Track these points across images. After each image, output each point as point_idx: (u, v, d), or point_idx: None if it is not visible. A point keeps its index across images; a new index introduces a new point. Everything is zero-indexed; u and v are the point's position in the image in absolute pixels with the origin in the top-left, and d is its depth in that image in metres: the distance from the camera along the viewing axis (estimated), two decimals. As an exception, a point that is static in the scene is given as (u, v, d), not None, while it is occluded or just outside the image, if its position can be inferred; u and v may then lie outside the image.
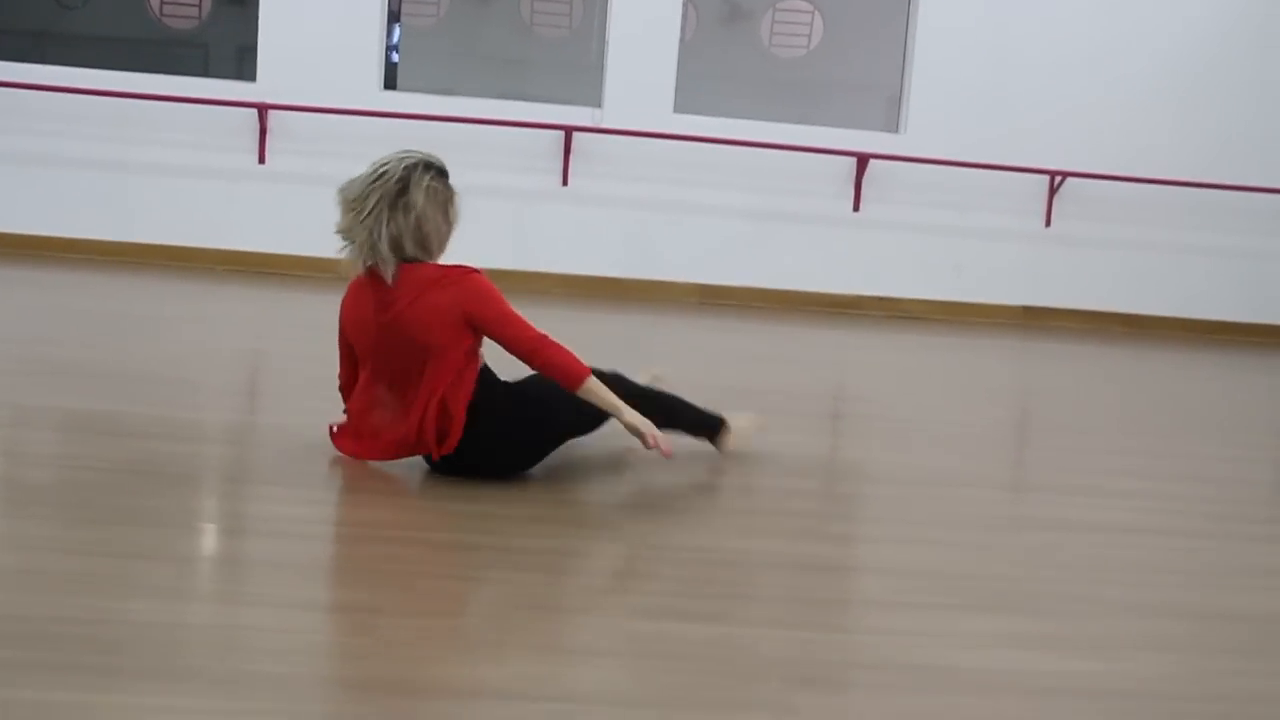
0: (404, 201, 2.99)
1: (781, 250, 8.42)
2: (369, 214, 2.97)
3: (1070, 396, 5.71)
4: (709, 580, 2.57)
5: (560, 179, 8.14)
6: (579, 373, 2.98)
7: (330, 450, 3.37)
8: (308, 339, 5.56)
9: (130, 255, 8.03)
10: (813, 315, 8.13)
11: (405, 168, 3.01)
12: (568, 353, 3.00)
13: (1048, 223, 8.54)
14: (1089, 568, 2.87)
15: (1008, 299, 8.61)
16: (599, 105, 8.20)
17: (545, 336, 3.00)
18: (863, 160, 8.29)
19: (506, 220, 8.12)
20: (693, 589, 2.51)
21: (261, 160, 8.10)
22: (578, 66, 9.30)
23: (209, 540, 2.62)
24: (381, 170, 3.02)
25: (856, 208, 8.42)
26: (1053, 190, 8.46)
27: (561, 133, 8.07)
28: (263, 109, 7.95)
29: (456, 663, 2.04)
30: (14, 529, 2.57)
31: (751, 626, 2.32)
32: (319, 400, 3.63)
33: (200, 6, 9.08)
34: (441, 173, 3.09)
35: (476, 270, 3.04)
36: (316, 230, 8.18)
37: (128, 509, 2.74)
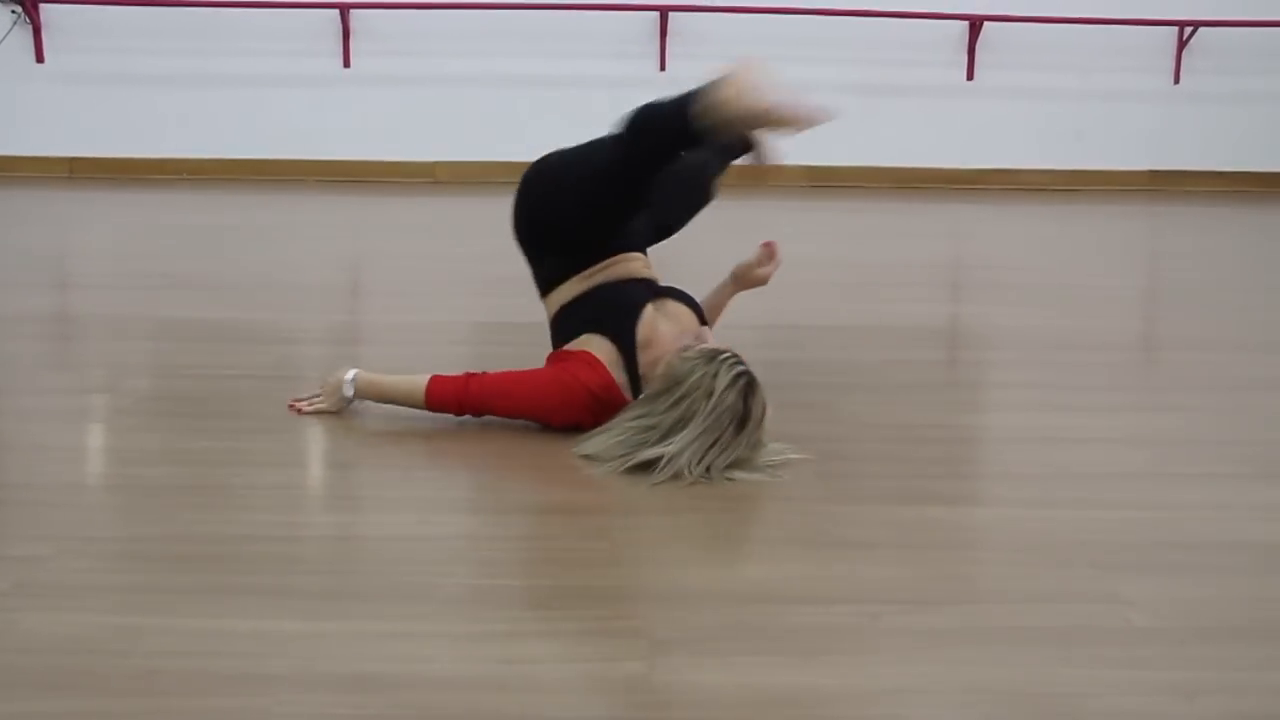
0: None
1: (892, 126, 7.97)
2: None
3: (1227, 258, 5.29)
4: (953, 459, 2.28)
5: (658, 64, 7.73)
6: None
7: (445, 343, 3.13)
8: (407, 240, 5.32)
9: (218, 171, 7.77)
10: (928, 192, 7.71)
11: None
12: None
13: (1176, 79, 7.99)
14: (1370, 427, 2.54)
15: (1133, 164, 8.10)
16: (694, -17, 7.76)
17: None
18: (975, 24, 7.78)
19: (603, 110, 7.70)
20: (941, 469, 2.21)
21: (346, 64, 7.78)
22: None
23: (389, 444, 2.35)
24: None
25: (970, 76, 7.93)
26: (1181, 43, 7.89)
27: (656, 14, 7.64)
28: (344, 9, 7.60)
29: (720, 564, 1.77)
30: (183, 444, 2.32)
31: (1027, 508, 2.02)
32: (425, 297, 3.39)
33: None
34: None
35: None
36: (407, 133, 7.98)
37: (293, 415, 2.49)
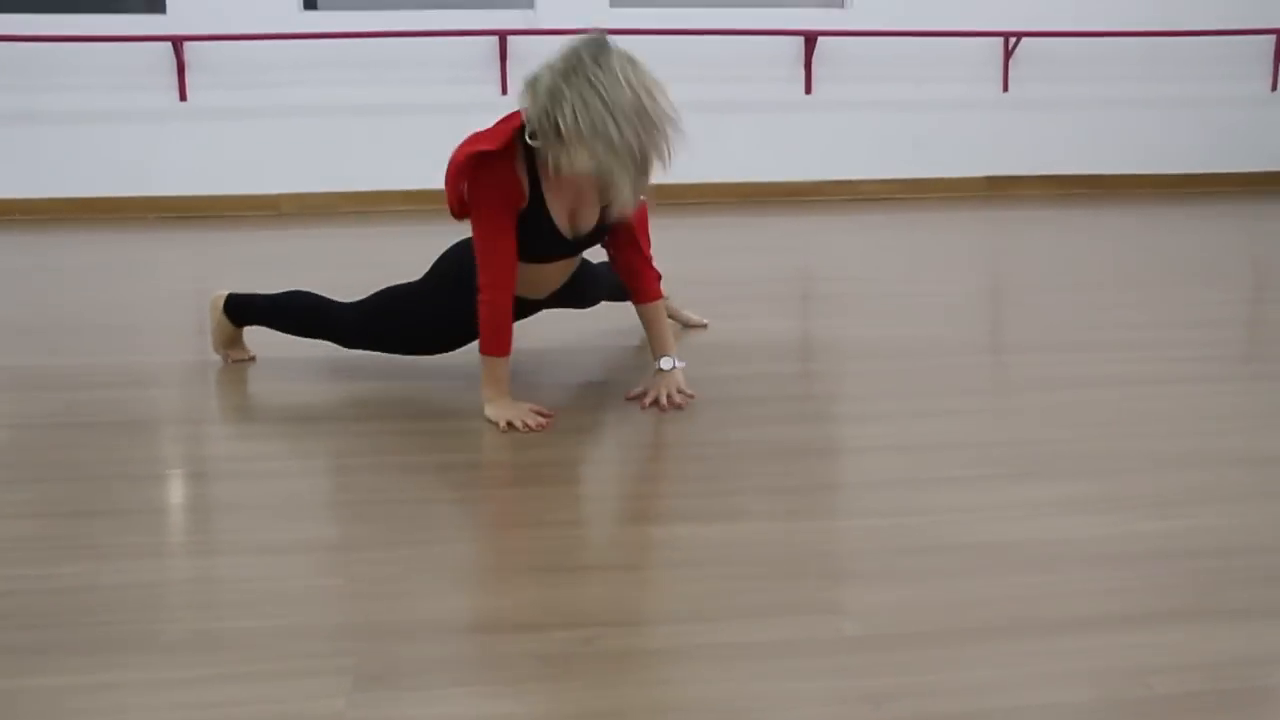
0: None
1: (734, 141, 8.09)
2: None
3: (1046, 260, 5.46)
4: (716, 476, 2.31)
5: (499, 88, 7.74)
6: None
7: (281, 383, 3.08)
8: (249, 277, 5.23)
9: (51, 212, 7.59)
10: (769, 206, 7.83)
11: None
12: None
13: (1005, 88, 8.24)
14: (1124, 422, 2.64)
15: (969, 171, 8.33)
16: (531, 6, 7.79)
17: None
18: (810, 39, 7.94)
19: (447, 137, 7.70)
20: (700, 487, 2.25)
21: (183, 97, 7.65)
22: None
23: (154, 488, 2.32)
24: None
25: (808, 90, 8.09)
26: (1008, 53, 8.15)
27: (495, 39, 7.66)
28: (177, 42, 7.49)
29: (448, 595, 1.76)
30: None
31: (773, 521, 2.06)
32: (262, 334, 3.33)
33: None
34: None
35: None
36: (249, 166, 7.87)
37: (63, 463, 2.44)
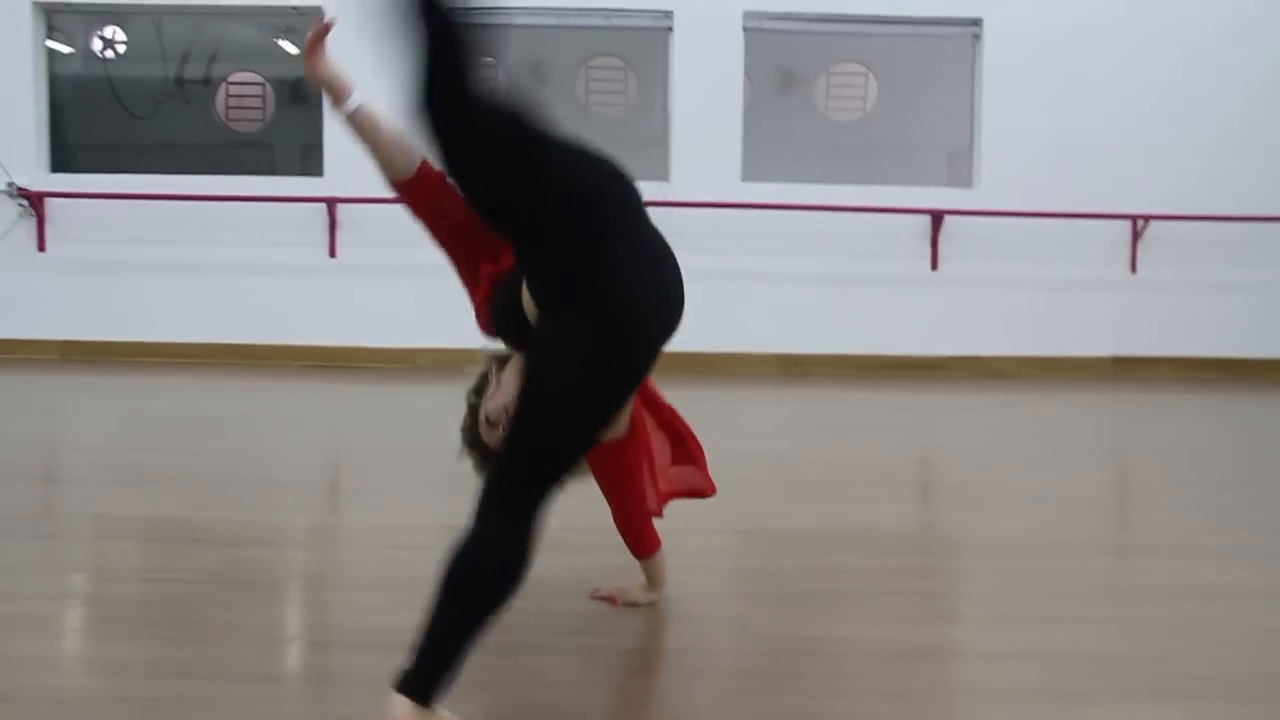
0: None
1: (860, 315, 8.23)
2: None
3: (1174, 450, 5.43)
4: (828, 675, 2.37)
5: (631, 255, 8.01)
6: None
7: (415, 548, 3.23)
8: (385, 432, 5.47)
9: (207, 356, 8.03)
10: (896, 379, 7.90)
11: None
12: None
13: (1133, 269, 8.27)
14: (1256, 640, 2.63)
15: (1096, 351, 8.32)
16: (666, 179, 8.11)
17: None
18: (937, 217, 8.10)
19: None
20: (811, 686, 2.31)
21: (332, 254, 8.09)
22: (638, 143, 9.21)
23: (295, 655, 2.47)
24: None
25: (934, 266, 8.22)
26: (1136, 235, 8.20)
27: (630, 208, 7.96)
28: (330, 203, 7.96)
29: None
30: (102, 651, 2.46)
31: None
32: (400, 496, 3.50)
33: (264, 109, 9.17)
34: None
35: None
36: (389, 321, 8.25)
37: (216, 624, 2.61)
